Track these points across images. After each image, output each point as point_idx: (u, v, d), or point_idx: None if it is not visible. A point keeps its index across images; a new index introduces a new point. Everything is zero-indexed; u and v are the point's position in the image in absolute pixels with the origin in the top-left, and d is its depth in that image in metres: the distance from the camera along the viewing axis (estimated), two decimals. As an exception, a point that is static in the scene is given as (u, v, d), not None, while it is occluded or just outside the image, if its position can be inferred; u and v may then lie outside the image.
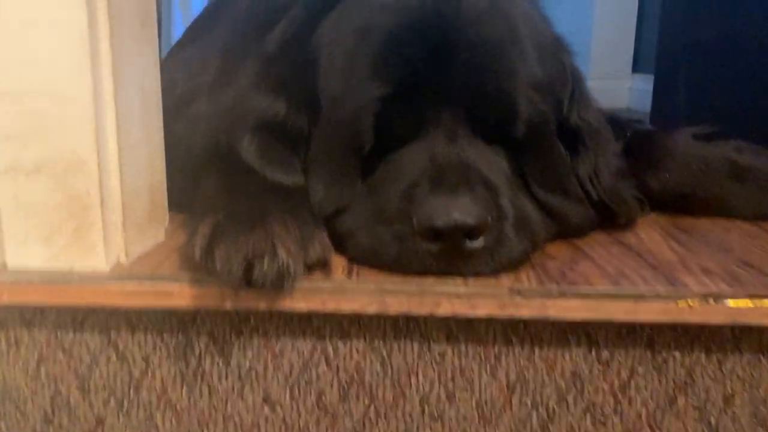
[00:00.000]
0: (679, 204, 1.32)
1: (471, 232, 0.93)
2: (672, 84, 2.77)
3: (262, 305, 0.94)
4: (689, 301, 0.93)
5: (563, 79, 1.11)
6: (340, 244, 1.02)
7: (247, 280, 0.87)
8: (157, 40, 1.10)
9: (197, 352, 1.02)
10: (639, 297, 0.93)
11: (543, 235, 1.07)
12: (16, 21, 0.90)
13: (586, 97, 1.19)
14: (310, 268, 0.94)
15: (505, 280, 0.96)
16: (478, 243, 0.94)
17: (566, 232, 1.13)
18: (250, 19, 1.33)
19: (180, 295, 0.95)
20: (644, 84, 3.70)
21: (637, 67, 4.08)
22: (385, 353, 1.01)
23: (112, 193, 0.98)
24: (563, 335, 1.00)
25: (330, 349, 1.01)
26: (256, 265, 0.87)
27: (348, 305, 0.95)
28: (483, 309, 0.94)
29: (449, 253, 0.93)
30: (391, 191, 0.99)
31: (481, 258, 0.95)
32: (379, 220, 0.99)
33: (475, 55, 1.00)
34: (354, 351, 1.01)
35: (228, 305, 0.93)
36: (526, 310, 0.94)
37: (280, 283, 0.88)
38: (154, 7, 1.08)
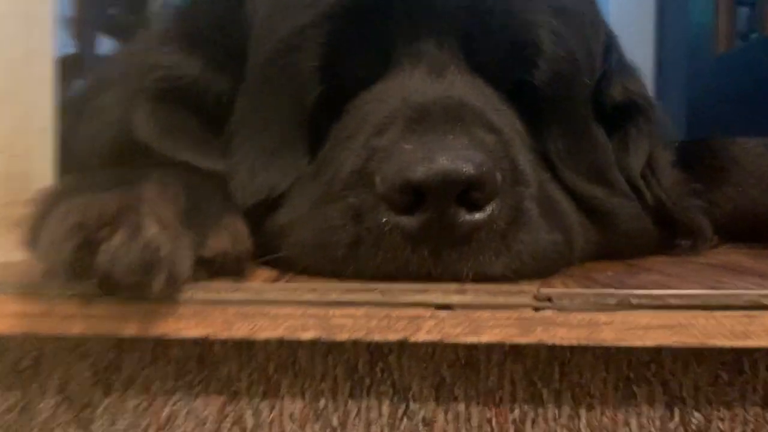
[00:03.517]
0: (757, 228, 0.96)
1: (470, 192, 0.57)
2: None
3: (128, 329, 0.57)
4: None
5: (595, 18, 0.79)
6: (269, 249, 0.67)
7: (87, 268, 0.51)
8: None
9: (42, 417, 0.64)
10: (757, 304, 0.55)
11: (580, 237, 0.71)
12: None
13: (630, 65, 0.87)
14: (208, 266, 0.59)
15: (528, 285, 0.59)
16: (482, 215, 0.58)
17: (613, 241, 0.76)
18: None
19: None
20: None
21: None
22: (335, 419, 0.62)
23: None
24: (627, 383, 0.61)
25: (248, 414, 0.63)
26: (103, 241, 0.51)
27: (269, 329, 0.57)
28: (492, 331, 0.56)
29: (434, 234, 0.57)
30: (345, 153, 0.65)
31: (488, 245, 0.58)
32: (326, 198, 0.64)
33: None
34: (286, 417, 0.62)
35: (65, 327, 0.56)
36: (564, 331, 0.56)
37: (147, 278, 0.52)
38: None
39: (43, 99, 0.83)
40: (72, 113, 0.97)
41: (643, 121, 0.81)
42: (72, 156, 0.88)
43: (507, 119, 0.68)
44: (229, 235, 0.59)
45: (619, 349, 0.60)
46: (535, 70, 0.70)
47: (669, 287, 0.59)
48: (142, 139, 0.74)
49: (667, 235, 0.83)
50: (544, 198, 0.65)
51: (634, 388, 0.61)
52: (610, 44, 0.82)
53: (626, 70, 0.83)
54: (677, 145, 1.02)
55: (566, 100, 0.73)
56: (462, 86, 0.66)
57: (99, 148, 0.82)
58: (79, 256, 0.51)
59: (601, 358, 0.61)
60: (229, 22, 0.75)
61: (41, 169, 0.83)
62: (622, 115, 0.81)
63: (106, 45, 3.15)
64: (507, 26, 0.69)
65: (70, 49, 3.14)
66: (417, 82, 0.66)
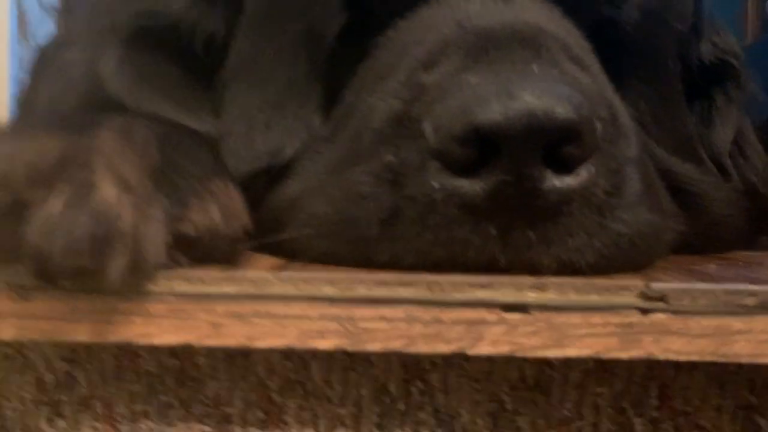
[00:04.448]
0: None
1: (562, 145, 0.41)
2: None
3: (79, 333, 0.41)
4: None
5: None
6: (271, 229, 0.51)
7: (13, 246, 0.36)
8: None
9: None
10: None
11: (671, 222, 0.56)
12: None
13: (716, 23, 0.71)
14: (190, 248, 0.43)
15: (627, 278, 0.44)
16: (576, 179, 0.42)
17: (702, 231, 0.60)
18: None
19: None
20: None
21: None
22: (360, 455, 0.46)
23: None
24: (748, 413, 0.46)
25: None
26: (36, 205, 0.36)
27: (273, 335, 0.42)
28: (582, 341, 0.40)
29: (507, 205, 0.42)
30: (377, 97, 0.49)
31: (579, 222, 0.43)
32: (351, 158, 0.48)
33: None
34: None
35: None
36: (683, 342, 0.40)
37: (100, 262, 0.37)
38: None
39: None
40: (34, 72, 0.82)
41: (733, 87, 0.67)
42: (33, 122, 0.73)
43: (594, 60, 0.53)
44: (219, 206, 0.44)
45: (741, 368, 0.45)
46: (623, 4, 0.55)
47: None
48: (112, 92, 0.58)
49: (754, 226, 0.68)
50: (645, 164, 0.50)
51: (758, 419, 0.46)
52: None
53: (715, 23, 0.69)
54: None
55: (654, 50, 0.58)
56: (535, 12, 0.51)
57: (64, 109, 0.66)
58: (2, 226, 0.35)
59: (716, 380, 0.46)
60: None
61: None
62: (708, 78, 0.66)
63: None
64: None
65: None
66: (475, 4, 0.50)
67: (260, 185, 0.54)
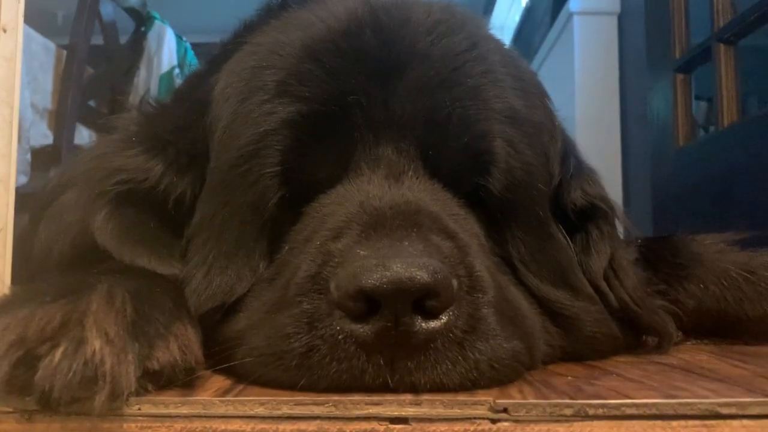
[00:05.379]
0: (721, 325, 0.96)
1: (425, 299, 0.56)
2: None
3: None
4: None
5: (551, 127, 0.82)
6: (225, 356, 0.65)
7: (26, 385, 0.50)
8: None
9: None
10: (714, 414, 0.54)
11: (541, 342, 0.70)
12: None
13: (588, 168, 0.88)
14: (156, 378, 0.57)
15: (484, 394, 0.58)
16: (438, 323, 0.57)
17: (577, 345, 0.76)
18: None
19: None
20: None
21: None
22: None
23: None
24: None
25: None
26: (44, 356, 0.50)
27: (217, 445, 0.55)
28: (447, 444, 0.54)
29: (389, 343, 0.56)
30: (301, 257, 0.65)
31: (444, 354, 0.58)
32: (281, 303, 0.63)
33: (429, 69, 0.71)
34: None
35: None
36: (521, 443, 0.54)
37: (88, 394, 0.51)
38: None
39: (2, 199, 0.82)
40: (34, 211, 0.96)
41: (604, 223, 0.83)
42: (32, 255, 0.87)
43: (464, 224, 0.69)
44: (179, 345, 0.58)
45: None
46: (490, 177, 0.71)
47: (626, 394, 0.58)
48: (99, 242, 0.73)
49: (632, 335, 0.83)
50: (503, 304, 0.65)
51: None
52: (567, 150, 0.84)
53: (585, 174, 0.85)
54: (640, 242, 1.03)
55: (524, 206, 0.74)
56: (419, 191, 0.68)
57: (58, 249, 0.80)
58: (18, 372, 0.49)
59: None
60: (193, 128, 0.77)
61: (-3, 271, 0.81)
62: (583, 217, 0.82)
63: (84, 136, 3.20)
64: (463, 135, 0.71)
65: (48, 140, 3.18)
66: (375, 186, 0.67)
67: (217, 318, 0.68)
